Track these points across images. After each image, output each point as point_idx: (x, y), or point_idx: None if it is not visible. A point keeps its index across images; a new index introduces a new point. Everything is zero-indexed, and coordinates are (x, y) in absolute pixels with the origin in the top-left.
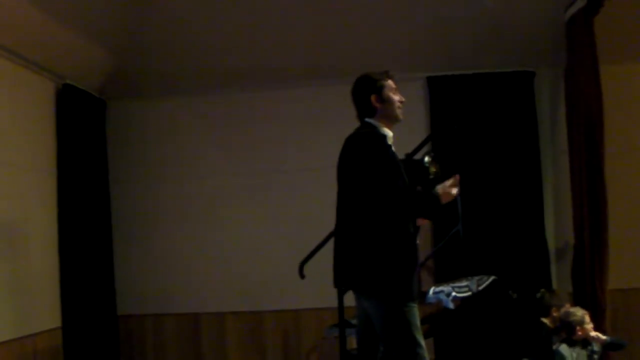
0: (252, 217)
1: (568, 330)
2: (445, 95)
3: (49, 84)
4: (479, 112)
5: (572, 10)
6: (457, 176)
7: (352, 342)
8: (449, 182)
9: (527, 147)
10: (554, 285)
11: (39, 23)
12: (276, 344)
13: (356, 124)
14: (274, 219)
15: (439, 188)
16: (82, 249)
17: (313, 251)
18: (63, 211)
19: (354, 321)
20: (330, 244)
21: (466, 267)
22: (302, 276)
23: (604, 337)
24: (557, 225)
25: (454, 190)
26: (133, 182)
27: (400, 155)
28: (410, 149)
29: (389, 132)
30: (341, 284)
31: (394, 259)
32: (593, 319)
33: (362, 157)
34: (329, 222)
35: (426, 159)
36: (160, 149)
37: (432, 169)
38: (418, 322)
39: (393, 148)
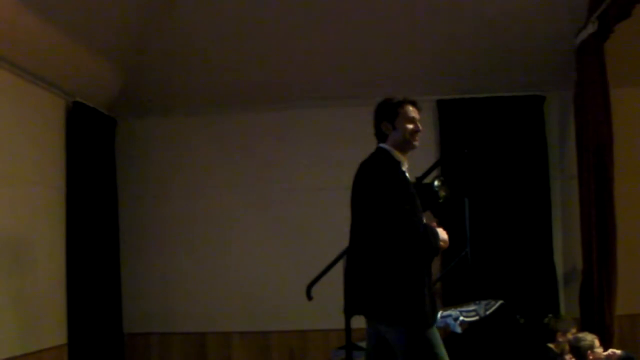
0: (260, 236)
1: (578, 356)
2: (455, 119)
3: (60, 102)
4: (489, 136)
5: (583, 35)
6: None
7: None
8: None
9: (536, 171)
10: (562, 310)
11: (50, 40)
12: None
13: (365, 144)
14: (282, 239)
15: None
16: (90, 266)
17: (321, 273)
18: (71, 228)
19: (361, 344)
20: (338, 266)
21: (474, 291)
22: (309, 298)
23: (619, 352)
24: (566, 249)
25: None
26: (141, 200)
27: (410, 179)
28: (420, 172)
29: (402, 159)
30: (356, 311)
31: (412, 286)
32: (601, 345)
33: (374, 183)
34: (337, 243)
35: (436, 182)
36: (169, 167)
37: (442, 193)
38: (440, 341)
39: (407, 174)
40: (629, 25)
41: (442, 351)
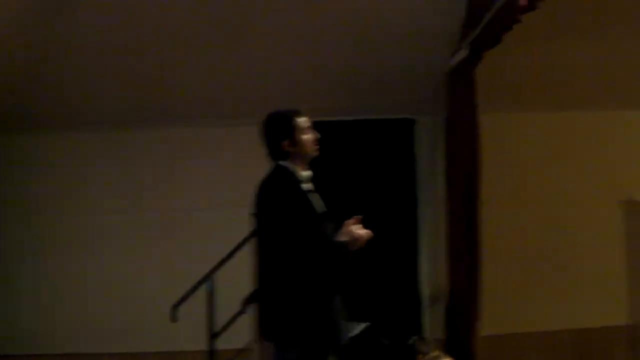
0: (132, 256)
1: None
2: (325, 142)
3: None
4: (359, 159)
5: (454, 60)
6: (358, 217)
7: None
8: (351, 227)
9: (405, 195)
10: (428, 331)
11: None
12: None
13: (248, 164)
14: (154, 259)
15: (344, 235)
16: None
17: (186, 294)
18: None
19: None
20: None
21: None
22: (173, 319)
23: None
24: (432, 271)
25: (361, 232)
26: (6, 219)
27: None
28: None
29: (305, 174)
30: (264, 335)
31: (307, 308)
32: None
33: (273, 205)
34: (208, 264)
35: None
36: (36, 185)
37: None
38: None
39: (310, 186)
40: (498, 51)
41: None
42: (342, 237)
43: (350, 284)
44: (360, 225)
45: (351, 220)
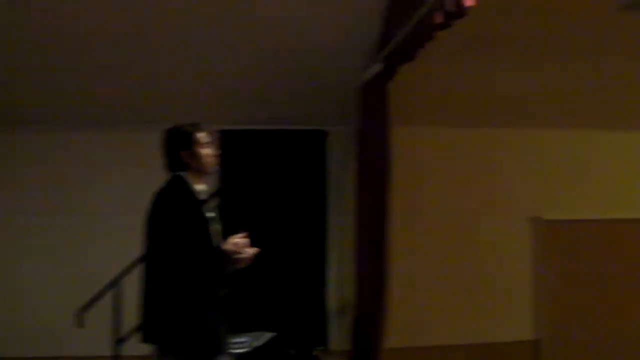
0: (34, 258)
1: None
2: (238, 150)
3: None
4: (271, 169)
5: (368, 74)
6: (245, 233)
7: None
8: (237, 241)
9: (315, 206)
10: (334, 343)
11: None
12: None
13: (152, 171)
14: (62, 263)
15: (227, 246)
16: None
17: (91, 300)
18: None
19: None
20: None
21: (245, 323)
22: (79, 325)
23: None
24: (340, 283)
25: (247, 248)
26: None
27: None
28: None
29: (200, 187)
30: (147, 339)
31: (189, 314)
32: None
33: (167, 215)
34: (113, 269)
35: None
36: None
37: None
38: None
39: (204, 197)
40: (412, 66)
41: None
42: (225, 248)
43: (233, 295)
44: (247, 241)
45: (238, 235)
